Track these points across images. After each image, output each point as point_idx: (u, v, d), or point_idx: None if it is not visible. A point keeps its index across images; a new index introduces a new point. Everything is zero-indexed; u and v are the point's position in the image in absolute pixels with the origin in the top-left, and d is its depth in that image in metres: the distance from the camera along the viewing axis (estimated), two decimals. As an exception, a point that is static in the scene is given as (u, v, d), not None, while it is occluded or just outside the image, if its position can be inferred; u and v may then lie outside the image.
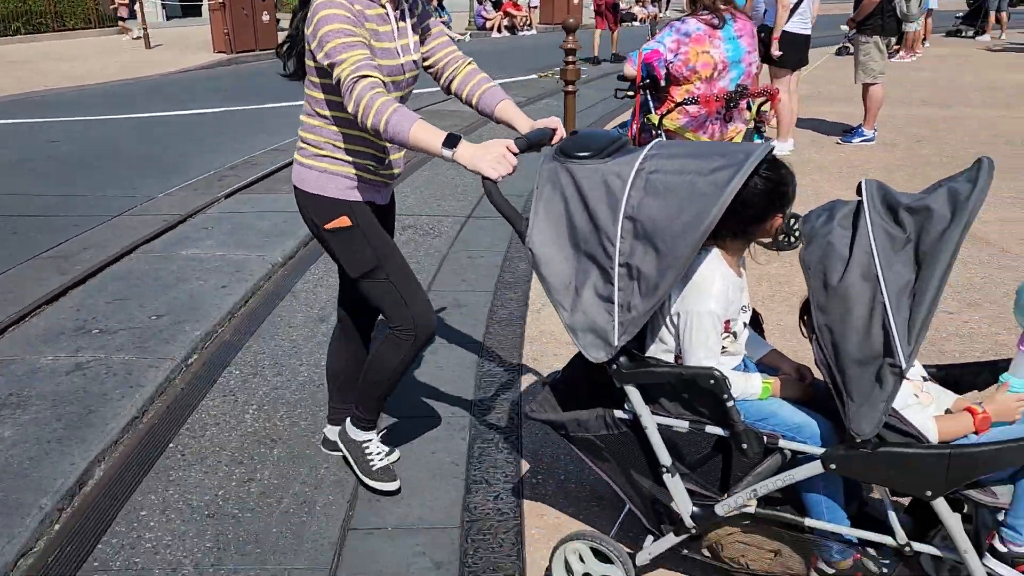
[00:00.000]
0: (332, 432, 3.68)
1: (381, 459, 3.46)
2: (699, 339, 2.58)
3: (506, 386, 4.26)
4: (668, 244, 2.37)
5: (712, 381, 2.47)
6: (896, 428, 2.39)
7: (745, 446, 2.51)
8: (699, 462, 2.92)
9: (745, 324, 2.74)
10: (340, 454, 3.63)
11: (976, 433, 2.46)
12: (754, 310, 2.88)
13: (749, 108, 5.34)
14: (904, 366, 2.23)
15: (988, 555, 2.47)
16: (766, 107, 6.18)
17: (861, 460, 2.40)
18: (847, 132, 9.66)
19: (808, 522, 2.59)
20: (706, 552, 2.74)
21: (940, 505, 2.39)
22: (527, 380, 4.30)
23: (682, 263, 2.36)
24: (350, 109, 2.73)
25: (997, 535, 2.47)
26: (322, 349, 4.62)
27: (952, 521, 2.41)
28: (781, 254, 5.82)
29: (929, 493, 2.37)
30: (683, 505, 2.65)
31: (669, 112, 5.07)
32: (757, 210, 2.57)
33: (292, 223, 6.67)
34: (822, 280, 2.36)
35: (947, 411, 2.57)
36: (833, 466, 2.44)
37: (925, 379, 2.68)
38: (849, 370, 2.30)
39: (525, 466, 3.60)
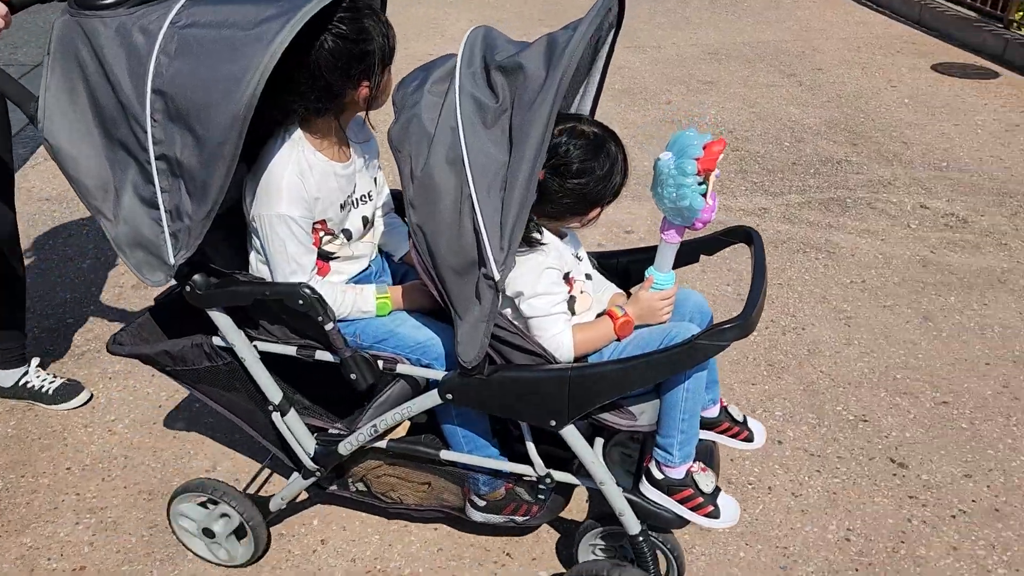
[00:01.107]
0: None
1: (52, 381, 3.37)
2: (277, 249, 2.18)
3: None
4: (204, 125, 1.86)
5: (300, 301, 2.12)
6: (521, 347, 2.11)
7: (354, 376, 2.20)
8: (325, 392, 2.48)
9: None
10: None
11: (619, 339, 2.21)
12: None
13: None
14: (497, 277, 1.89)
15: (645, 481, 2.27)
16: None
17: (477, 389, 2.12)
18: None
19: (444, 454, 2.38)
20: (360, 487, 2.53)
21: (568, 434, 2.17)
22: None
23: (227, 152, 1.86)
24: None
25: (652, 458, 2.25)
26: None
27: (584, 452, 2.20)
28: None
29: (553, 423, 2.13)
30: (302, 444, 2.41)
31: None
32: (334, 76, 2.12)
33: None
34: (410, 166, 1.93)
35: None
36: (450, 396, 2.16)
37: (589, 277, 2.39)
38: (448, 281, 1.95)
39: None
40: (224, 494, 2.55)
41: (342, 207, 2.32)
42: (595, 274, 2.46)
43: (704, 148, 2.03)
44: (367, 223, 2.43)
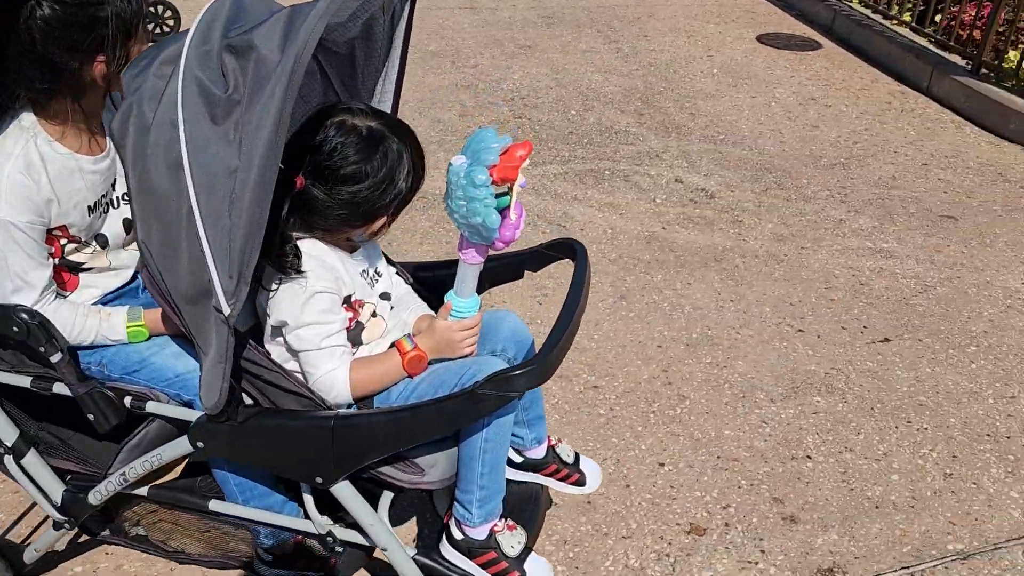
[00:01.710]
0: None
1: None
2: None
3: None
4: None
5: (15, 328, 1.79)
6: (283, 387, 1.80)
7: (92, 416, 1.88)
8: (76, 429, 2.16)
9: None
10: None
11: (411, 377, 1.90)
12: None
13: None
14: (227, 311, 1.56)
15: (445, 541, 2.01)
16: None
17: (228, 437, 1.81)
18: None
19: (213, 505, 2.06)
20: (139, 531, 2.23)
21: (341, 493, 1.87)
22: None
23: None
24: None
25: (452, 516, 2.00)
26: None
27: (362, 513, 1.90)
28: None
29: (319, 479, 1.83)
30: (45, 491, 2.10)
31: None
32: (55, 49, 1.79)
33: None
34: (129, 169, 1.59)
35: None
36: (200, 444, 1.85)
37: (387, 296, 2.07)
38: (183, 310, 1.62)
39: None
40: None
41: (91, 209, 1.95)
42: (404, 292, 2.15)
43: (503, 153, 1.71)
44: (132, 227, 1.98)
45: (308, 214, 1.83)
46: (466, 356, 1.91)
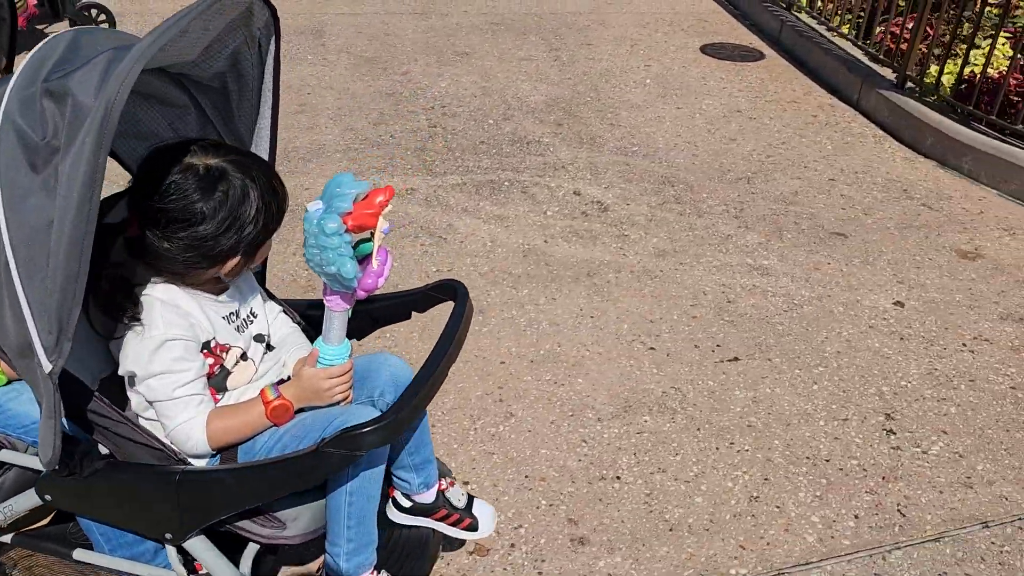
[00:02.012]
0: None
1: None
2: None
3: None
4: None
5: None
6: (133, 439, 1.76)
7: None
8: None
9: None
10: None
11: (276, 426, 1.85)
12: None
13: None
14: (48, 368, 1.49)
15: None
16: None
17: (74, 491, 1.81)
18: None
19: (76, 554, 2.01)
20: (16, 575, 2.23)
21: (195, 546, 1.84)
22: None
23: None
24: None
25: (324, 568, 1.97)
26: None
27: (215, 567, 1.85)
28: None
29: (169, 536, 1.80)
30: None
31: None
32: None
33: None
34: None
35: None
36: (48, 497, 1.84)
37: (261, 338, 1.99)
38: (15, 362, 1.57)
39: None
40: None
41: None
42: (289, 332, 2.09)
43: (363, 199, 1.66)
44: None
45: (153, 259, 1.78)
46: (338, 403, 1.87)
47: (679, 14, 7.93)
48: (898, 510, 2.89)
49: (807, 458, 3.09)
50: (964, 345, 3.70)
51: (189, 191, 1.71)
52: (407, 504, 2.21)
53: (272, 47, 1.94)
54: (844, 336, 3.73)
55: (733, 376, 3.48)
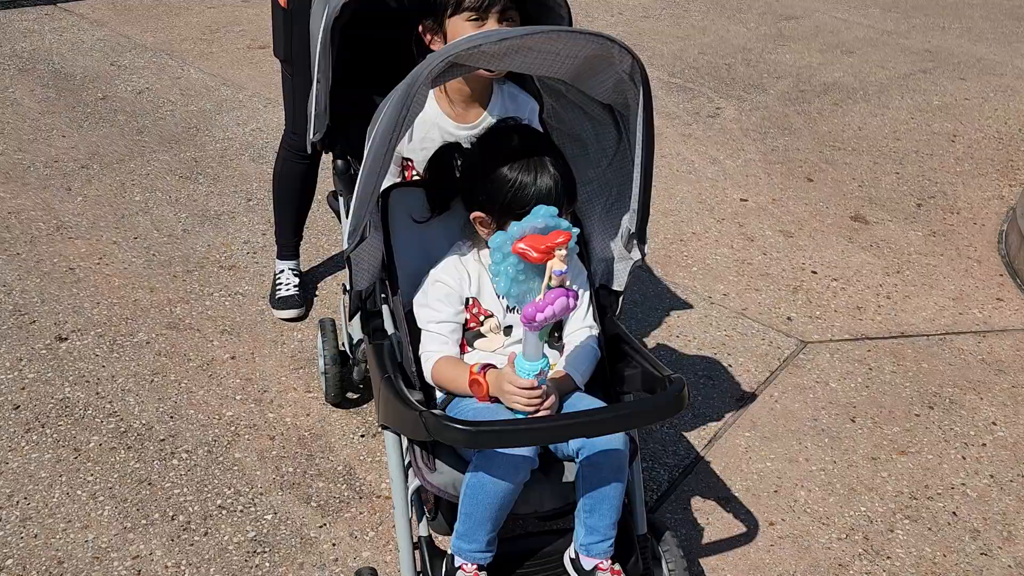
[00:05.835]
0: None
1: (287, 289, 3.52)
2: None
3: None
4: None
5: None
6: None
7: None
8: None
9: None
10: None
11: (475, 396, 2.04)
12: None
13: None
14: (345, 245, 2.00)
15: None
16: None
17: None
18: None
19: None
20: None
21: (386, 438, 2.16)
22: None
23: None
24: None
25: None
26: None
27: (393, 461, 2.16)
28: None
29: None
30: None
31: None
32: None
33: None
34: None
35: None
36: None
37: (509, 331, 2.20)
38: None
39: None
40: None
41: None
42: (582, 336, 2.23)
43: (532, 235, 1.85)
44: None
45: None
46: (523, 411, 1.98)
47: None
48: None
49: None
50: None
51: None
52: (572, 555, 2.19)
53: (641, 96, 2.02)
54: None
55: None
